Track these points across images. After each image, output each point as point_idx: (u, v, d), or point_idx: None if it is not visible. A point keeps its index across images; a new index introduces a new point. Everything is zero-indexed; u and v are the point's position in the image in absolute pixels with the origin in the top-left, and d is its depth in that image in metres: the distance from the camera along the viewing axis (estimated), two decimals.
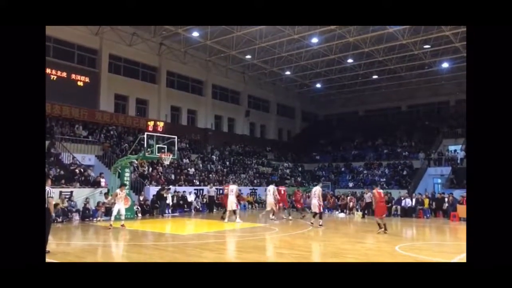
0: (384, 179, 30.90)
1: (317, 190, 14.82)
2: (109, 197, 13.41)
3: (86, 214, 16.56)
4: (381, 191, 13.99)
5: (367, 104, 42.02)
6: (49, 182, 9.46)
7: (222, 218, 16.55)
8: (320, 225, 14.23)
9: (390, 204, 20.92)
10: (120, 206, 13.80)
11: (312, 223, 14.45)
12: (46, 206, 8.62)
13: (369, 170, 33.10)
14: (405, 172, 30.45)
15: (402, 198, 21.01)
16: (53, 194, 9.04)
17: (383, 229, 12.70)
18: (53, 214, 9.39)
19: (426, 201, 20.36)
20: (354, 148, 37.52)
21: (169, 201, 20.03)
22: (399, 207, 20.54)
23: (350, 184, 31.51)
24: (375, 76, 34.95)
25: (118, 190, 14.35)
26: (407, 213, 19.99)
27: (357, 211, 21.50)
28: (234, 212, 15.94)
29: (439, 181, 28.80)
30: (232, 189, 16.07)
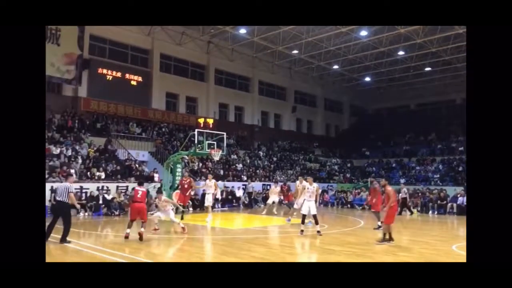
0: (438, 176, 29.64)
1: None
2: (163, 198, 11.55)
3: None
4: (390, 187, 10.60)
5: (419, 98, 40.33)
6: (71, 179, 9.95)
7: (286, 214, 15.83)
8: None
9: (445, 202, 20.10)
10: (160, 213, 11.35)
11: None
12: (67, 200, 9.20)
13: (422, 166, 31.85)
14: (460, 168, 28.95)
15: (458, 196, 20.04)
16: (74, 190, 9.59)
17: (387, 240, 9.94)
18: (78, 206, 9.80)
19: None
20: (405, 143, 36.21)
21: (218, 196, 20.42)
22: (455, 204, 19.62)
23: (402, 181, 30.43)
24: (428, 68, 33.46)
25: (164, 197, 11.92)
26: (463, 211, 19.05)
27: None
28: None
29: None
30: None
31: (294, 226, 13.53)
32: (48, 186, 15.65)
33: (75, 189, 16.19)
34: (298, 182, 14.56)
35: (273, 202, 17.20)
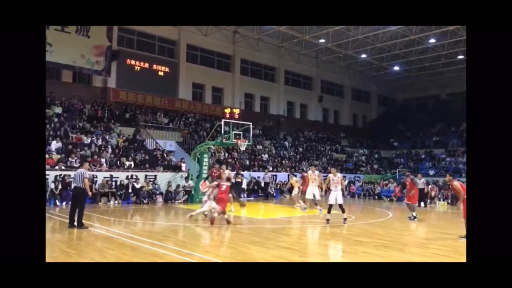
0: None
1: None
2: (206, 183, 12.37)
3: (169, 197, 17.61)
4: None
5: (450, 87, 39.06)
6: (86, 165, 10.29)
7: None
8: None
9: None
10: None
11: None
12: (82, 186, 9.65)
13: (452, 158, 30.98)
14: None
15: None
16: (88, 175, 10.00)
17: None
18: (89, 192, 10.17)
19: None
20: (435, 134, 35.31)
21: (244, 186, 20.52)
22: None
23: (431, 172, 29.79)
24: (460, 56, 32.27)
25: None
26: None
27: (439, 200, 20.34)
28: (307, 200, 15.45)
29: None
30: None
31: (320, 217, 13.46)
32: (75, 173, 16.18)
33: (105, 178, 16.71)
34: (310, 171, 14.74)
35: (314, 196, 16.96)
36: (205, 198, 11.10)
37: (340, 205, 11.49)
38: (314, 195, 14.06)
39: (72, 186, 10.97)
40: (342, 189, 11.73)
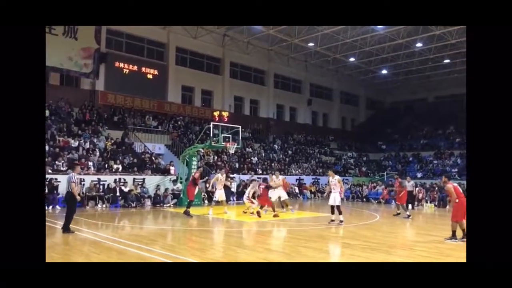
0: (456, 170, 29.18)
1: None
2: (211, 181, 14.21)
3: (157, 200, 17.51)
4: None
5: (438, 90, 39.65)
6: (77, 169, 10.26)
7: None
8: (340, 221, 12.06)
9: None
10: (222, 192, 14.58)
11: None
12: (70, 190, 9.57)
13: (440, 160, 31.37)
14: None
15: None
16: (76, 180, 9.83)
17: (455, 238, 9.27)
18: (78, 197, 9.91)
19: None
20: (423, 137, 35.70)
21: (233, 189, 20.53)
22: None
23: (419, 175, 30.11)
24: (446, 60, 32.79)
25: (218, 175, 14.90)
26: None
27: (427, 202, 20.56)
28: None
29: None
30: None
31: (308, 220, 13.51)
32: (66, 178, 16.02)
33: (93, 181, 16.55)
34: (274, 176, 15.44)
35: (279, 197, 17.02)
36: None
37: (338, 207, 11.88)
38: (279, 197, 14.94)
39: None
40: (340, 192, 12.10)
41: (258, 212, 13.46)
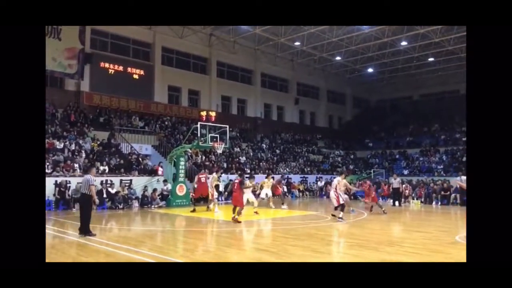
0: (442, 166, 29.63)
1: (335, 182, 13.44)
2: (248, 184, 13.72)
3: (145, 201, 17.38)
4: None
5: (422, 88, 40.16)
6: (93, 171, 10.05)
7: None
8: (340, 218, 12.55)
9: (448, 192, 20.08)
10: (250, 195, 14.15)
11: (333, 215, 13.08)
12: (89, 192, 9.41)
13: (425, 157, 31.80)
14: (464, 159, 28.88)
15: None
16: (95, 182, 9.77)
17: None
18: (96, 200, 9.94)
19: None
20: (409, 135, 36.14)
21: (221, 189, 20.45)
22: (458, 195, 19.59)
23: (405, 172, 30.49)
24: (431, 59, 33.25)
25: (247, 182, 13.91)
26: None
27: (413, 199, 20.84)
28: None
29: None
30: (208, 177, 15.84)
31: (297, 218, 13.55)
32: (52, 180, 15.79)
33: (79, 183, 16.26)
34: (266, 179, 17.37)
35: (266, 195, 17.15)
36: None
37: (342, 204, 12.70)
38: (266, 194, 16.96)
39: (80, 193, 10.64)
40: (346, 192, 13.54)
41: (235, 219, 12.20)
